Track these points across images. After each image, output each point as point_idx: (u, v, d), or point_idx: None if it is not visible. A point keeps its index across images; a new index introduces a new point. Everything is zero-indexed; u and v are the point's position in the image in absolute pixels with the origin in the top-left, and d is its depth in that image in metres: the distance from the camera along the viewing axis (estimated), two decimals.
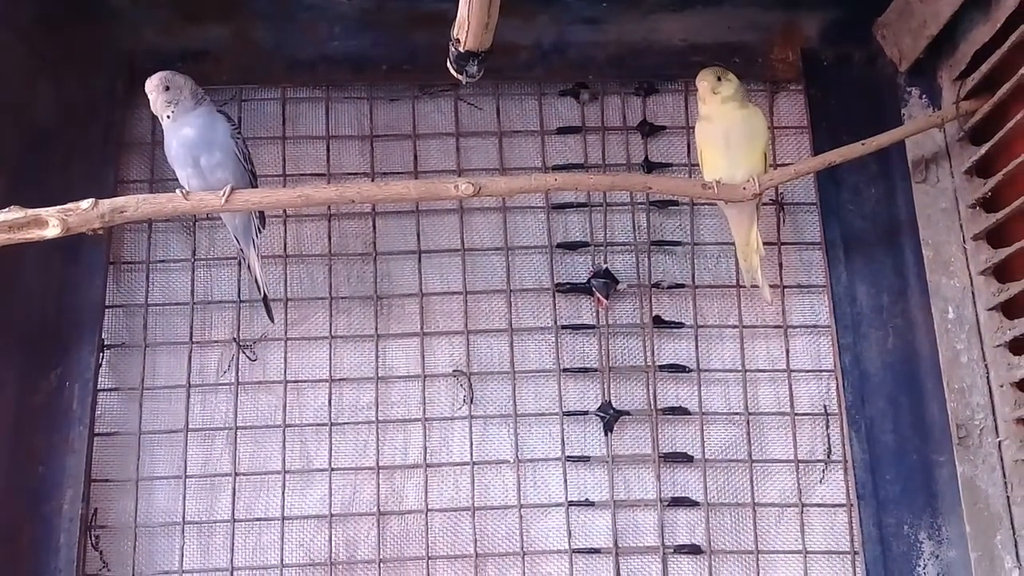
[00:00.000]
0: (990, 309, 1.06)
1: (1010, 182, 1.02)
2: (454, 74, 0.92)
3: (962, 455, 1.06)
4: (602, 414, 1.20)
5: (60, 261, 1.18)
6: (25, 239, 0.98)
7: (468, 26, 0.83)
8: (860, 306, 1.20)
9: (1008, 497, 1.03)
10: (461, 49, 0.85)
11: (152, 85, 1.03)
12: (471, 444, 1.19)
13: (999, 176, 1.03)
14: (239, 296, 1.23)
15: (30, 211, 0.97)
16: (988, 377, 1.06)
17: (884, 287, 1.19)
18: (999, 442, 1.04)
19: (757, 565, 1.15)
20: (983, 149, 1.06)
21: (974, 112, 1.08)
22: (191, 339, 1.21)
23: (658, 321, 1.23)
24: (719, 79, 1.08)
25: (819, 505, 1.17)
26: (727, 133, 1.05)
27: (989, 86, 1.06)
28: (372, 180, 1.26)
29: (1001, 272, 1.06)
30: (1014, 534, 1.02)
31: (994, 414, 1.05)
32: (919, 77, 1.19)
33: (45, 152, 1.21)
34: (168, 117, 1.03)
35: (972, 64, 1.08)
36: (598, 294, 1.23)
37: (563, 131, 1.29)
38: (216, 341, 1.22)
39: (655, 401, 1.20)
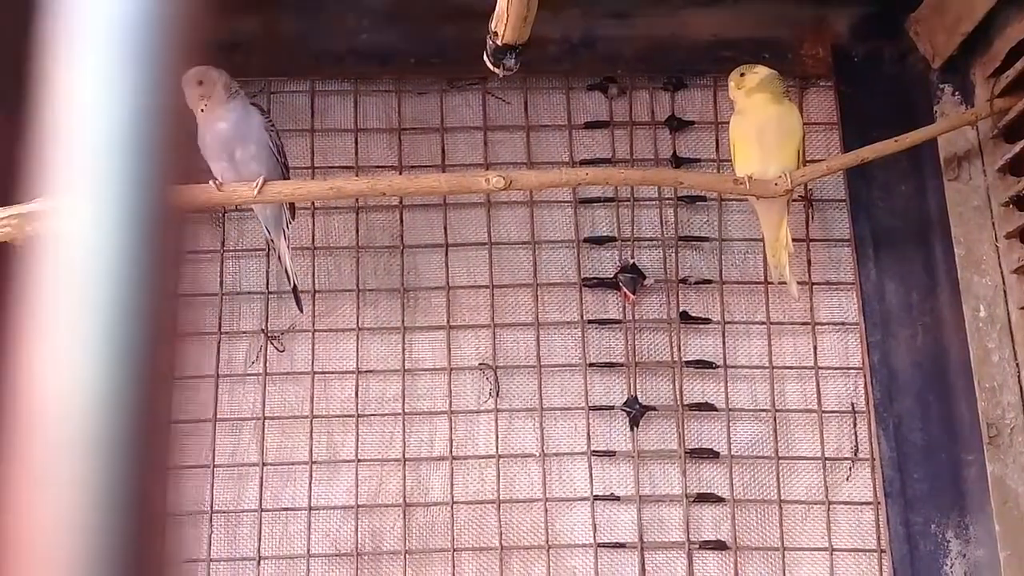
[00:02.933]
0: (1022, 308, 1.05)
1: None
2: (491, 68, 0.92)
3: (992, 454, 1.06)
4: (628, 409, 1.20)
5: None
6: None
7: (507, 19, 0.83)
8: (889, 304, 1.19)
9: None
10: (499, 42, 0.85)
11: (186, 80, 1.03)
12: (496, 437, 1.20)
13: None
14: (267, 288, 1.24)
15: None
16: (1019, 376, 1.06)
17: (914, 285, 1.19)
18: None
19: (783, 562, 1.15)
20: (1017, 147, 1.06)
21: (1008, 110, 1.07)
22: (220, 330, 1.22)
23: (685, 317, 1.23)
24: (742, 74, 1.08)
25: (846, 503, 1.17)
26: (760, 128, 1.05)
27: (1023, 84, 1.05)
28: (400, 173, 1.26)
29: None
30: None
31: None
32: (952, 74, 1.19)
33: None
34: (202, 111, 1.04)
35: (1007, 61, 1.07)
36: (625, 289, 1.23)
37: (591, 126, 1.29)
38: (244, 332, 1.23)
39: (681, 397, 1.20)
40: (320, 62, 1.29)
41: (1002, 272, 1.09)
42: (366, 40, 1.28)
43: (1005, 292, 1.08)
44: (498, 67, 0.90)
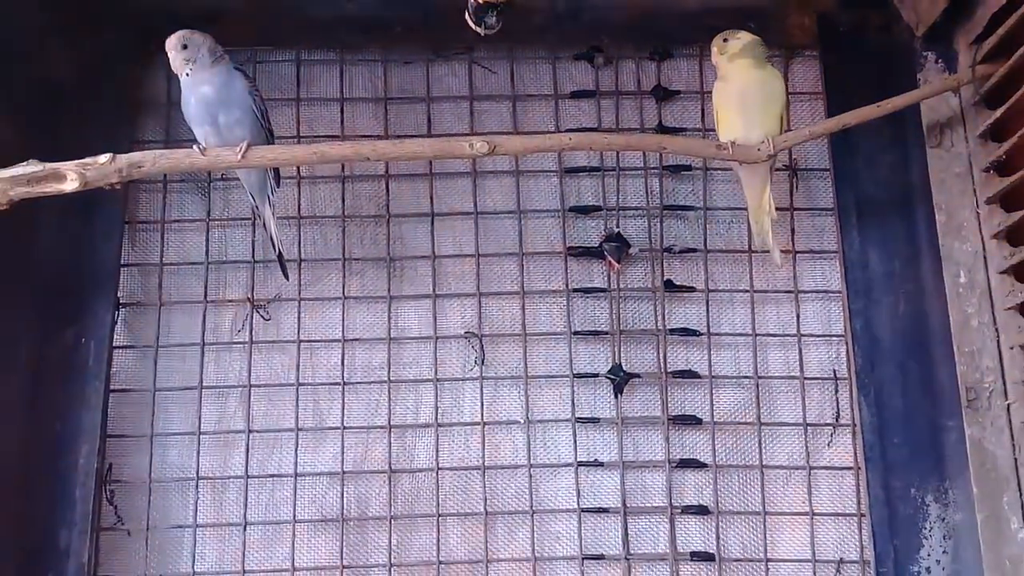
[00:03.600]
0: (1002, 272, 1.06)
1: None
2: (473, 27, 0.92)
3: (971, 418, 1.07)
4: (612, 376, 1.20)
5: (77, 220, 1.19)
6: (43, 193, 0.99)
7: None
8: (871, 272, 1.20)
9: (1016, 459, 1.03)
10: (480, 0, 0.85)
11: (171, 44, 1.04)
12: (482, 405, 1.20)
13: (1014, 139, 1.02)
14: (253, 256, 1.24)
15: (48, 165, 0.98)
16: (998, 340, 1.06)
17: (896, 252, 1.20)
18: (1008, 405, 1.05)
19: (764, 526, 1.16)
20: (998, 113, 1.06)
21: (990, 76, 1.08)
22: (205, 298, 1.22)
23: (669, 285, 1.23)
24: (725, 40, 1.08)
25: (827, 468, 1.18)
26: (743, 93, 1.05)
27: (1005, 50, 1.05)
28: None
29: (1014, 235, 1.06)
30: (1021, 496, 1.02)
31: (1003, 377, 1.06)
32: (935, 42, 1.18)
33: (60, 112, 1.21)
34: (187, 75, 1.04)
35: (989, 28, 1.07)
36: (610, 258, 1.23)
37: (577, 95, 1.29)
38: (230, 301, 1.23)
39: (665, 364, 1.21)
40: (306, 31, 1.29)
41: (982, 238, 1.09)
42: (351, 9, 1.28)
43: (985, 257, 1.09)
44: (480, 26, 0.90)
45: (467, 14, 0.91)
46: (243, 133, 1.03)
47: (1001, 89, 1.06)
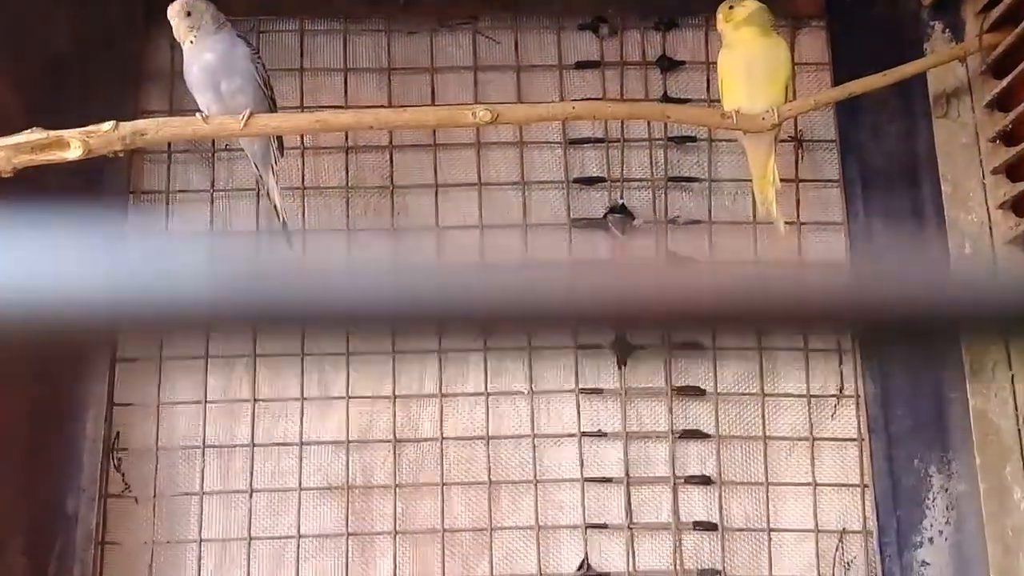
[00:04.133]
0: (1007, 243, 1.06)
1: None
2: None
3: (975, 388, 1.07)
4: (616, 348, 1.20)
5: (82, 190, 1.19)
6: (47, 160, 0.99)
7: None
8: (877, 244, 1.20)
9: (1019, 429, 1.03)
10: None
11: (173, 11, 1.03)
12: (486, 376, 1.21)
13: (1020, 109, 1.02)
14: (258, 227, 1.24)
15: (52, 132, 0.98)
16: None
17: (902, 224, 1.19)
18: (1012, 375, 1.04)
19: (767, 496, 1.17)
20: (1004, 82, 1.05)
21: (997, 45, 1.07)
22: None
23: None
24: (731, 7, 1.07)
25: (830, 439, 1.18)
26: (748, 61, 1.05)
27: (1012, 19, 1.04)
28: None
29: (1019, 206, 1.06)
30: None
31: (1008, 348, 1.06)
32: (942, 11, 1.17)
33: (64, 83, 1.21)
34: (191, 42, 1.03)
35: None
36: (614, 229, 1.23)
37: (581, 66, 1.28)
38: None
39: (668, 335, 1.21)
40: (309, 1, 1.28)
41: (988, 209, 1.09)
42: None
43: (991, 228, 1.08)
44: None
45: None
46: (245, 101, 1.03)
47: (1008, 58, 1.05)
